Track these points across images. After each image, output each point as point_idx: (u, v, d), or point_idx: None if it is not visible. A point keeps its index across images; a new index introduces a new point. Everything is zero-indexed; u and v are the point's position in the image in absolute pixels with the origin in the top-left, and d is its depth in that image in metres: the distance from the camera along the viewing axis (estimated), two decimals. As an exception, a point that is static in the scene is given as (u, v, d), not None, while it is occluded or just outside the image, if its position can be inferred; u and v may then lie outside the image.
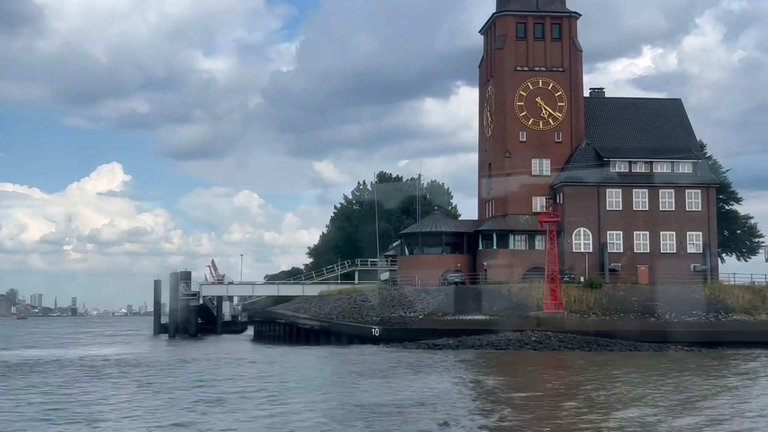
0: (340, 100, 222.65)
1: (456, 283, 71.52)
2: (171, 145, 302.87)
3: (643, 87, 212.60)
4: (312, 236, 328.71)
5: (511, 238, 75.28)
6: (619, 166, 75.29)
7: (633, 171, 75.21)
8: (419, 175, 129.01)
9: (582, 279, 68.50)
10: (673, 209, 74.54)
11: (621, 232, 74.11)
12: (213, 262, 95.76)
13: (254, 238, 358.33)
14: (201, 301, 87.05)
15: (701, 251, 74.23)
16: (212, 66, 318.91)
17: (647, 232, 74.38)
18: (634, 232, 74.21)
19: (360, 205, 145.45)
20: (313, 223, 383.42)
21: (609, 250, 73.50)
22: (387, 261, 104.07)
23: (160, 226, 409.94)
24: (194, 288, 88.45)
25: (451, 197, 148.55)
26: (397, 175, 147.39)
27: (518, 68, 77.41)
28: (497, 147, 77.86)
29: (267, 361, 51.57)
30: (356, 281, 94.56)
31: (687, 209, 74.63)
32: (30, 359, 54.30)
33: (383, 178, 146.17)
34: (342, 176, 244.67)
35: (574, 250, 73.82)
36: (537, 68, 77.52)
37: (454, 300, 66.66)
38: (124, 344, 75.60)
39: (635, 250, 74.03)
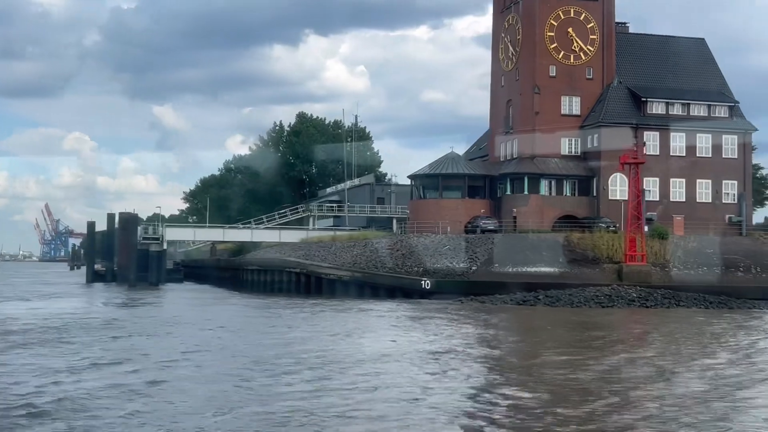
0: (184, 42, 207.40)
1: (491, 231, 64.27)
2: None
3: (486, 45, 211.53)
4: (149, 182, 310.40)
5: (542, 182, 68.42)
6: (656, 108, 69.56)
7: (670, 113, 69.70)
8: (356, 116, 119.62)
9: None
10: (710, 156, 69.68)
11: (657, 179, 68.65)
12: (47, 206, 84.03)
13: (86, 182, 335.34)
14: (165, 246, 75.87)
15: (735, 201, 69.88)
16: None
17: (683, 180, 69.27)
18: (671, 179, 68.94)
19: (277, 148, 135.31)
20: (150, 169, 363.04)
21: (645, 198, 67.90)
22: (335, 207, 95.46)
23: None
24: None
25: (372, 141, 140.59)
26: (317, 117, 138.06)
27: (549, -5, 70.08)
28: (524, 82, 70.51)
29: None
30: (311, 227, 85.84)
31: (723, 156, 69.94)
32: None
33: (303, 119, 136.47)
34: (182, 121, 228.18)
35: (610, 197, 67.92)
36: (569, -5, 70.44)
37: (505, 250, 59.24)
38: (107, 301, 63.64)
39: (671, 199, 68.86)
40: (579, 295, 51.43)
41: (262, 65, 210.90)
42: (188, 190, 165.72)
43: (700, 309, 49.22)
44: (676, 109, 69.75)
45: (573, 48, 70.09)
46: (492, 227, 64.81)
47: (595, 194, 68.40)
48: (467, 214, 67.99)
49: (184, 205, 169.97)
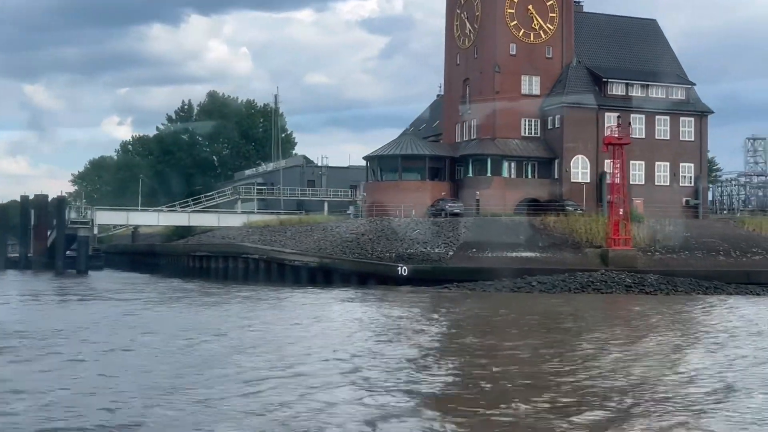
0: (60, 20, 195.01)
1: (457, 215, 61.84)
2: None
3: (370, 29, 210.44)
4: (19, 164, 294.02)
5: (504, 164, 66.31)
6: (616, 89, 68.31)
7: (629, 94, 68.56)
8: (275, 96, 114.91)
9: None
10: (668, 138, 68.96)
11: (618, 161, 67.21)
12: None
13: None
14: (96, 231, 70.45)
15: (692, 184, 69.45)
16: None
17: (642, 162, 68.31)
18: (631, 162, 67.65)
19: (186, 128, 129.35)
20: (21, 150, 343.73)
21: (607, 181, 66.62)
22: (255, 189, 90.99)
23: None
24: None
25: (285, 122, 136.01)
26: (228, 96, 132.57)
27: (509, -30, 67.69)
28: (483, 60, 68.11)
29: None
30: (239, 210, 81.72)
31: (681, 138, 69.33)
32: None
33: (215, 98, 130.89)
34: (56, 101, 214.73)
35: (572, 180, 66.41)
36: (528, -29, 68.28)
37: (480, 234, 56.72)
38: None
39: (631, 181, 67.61)
40: (574, 280, 49.42)
41: (141, 45, 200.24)
42: (77, 173, 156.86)
43: (700, 294, 47.80)
44: (635, 91, 68.67)
45: (533, 26, 68.11)
46: (458, 210, 62.35)
47: (556, 177, 66.70)
48: (429, 197, 65.38)
49: (71, 188, 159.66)
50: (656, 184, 68.36)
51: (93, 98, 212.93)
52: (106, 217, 73.16)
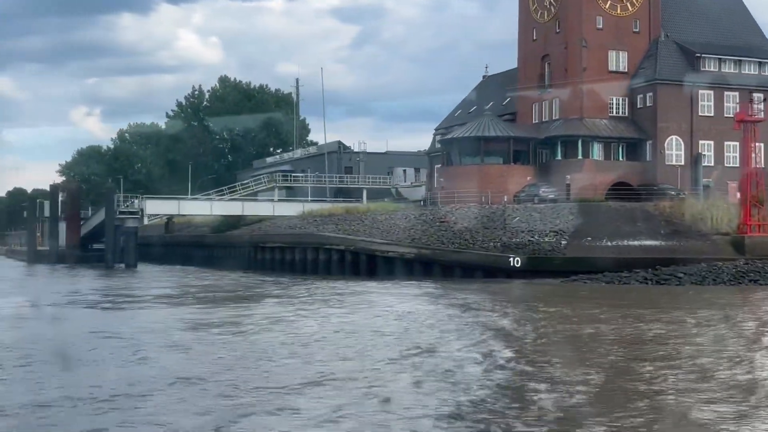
0: (25, 8, 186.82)
1: (552, 201, 56.85)
2: None
3: (341, 18, 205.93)
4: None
5: (595, 146, 61.37)
6: (708, 65, 63.55)
7: (722, 71, 63.88)
8: (297, 80, 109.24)
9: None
10: (763, 117, 64.08)
11: (712, 142, 62.80)
12: None
13: None
14: (146, 221, 64.69)
15: (786, 167, 64.84)
16: None
17: (737, 143, 63.44)
18: (725, 143, 63.14)
19: (197, 115, 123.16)
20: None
21: (702, 163, 62.09)
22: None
23: None
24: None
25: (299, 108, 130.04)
26: (240, 81, 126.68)
27: (594, -65, 62.65)
28: (568, 34, 62.99)
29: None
30: (276, 199, 76.18)
31: (775, 118, 64.61)
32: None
33: (226, 83, 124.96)
34: (22, 92, 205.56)
35: (666, 162, 61.62)
36: (613, -63, 63.29)
37: (591, 222, 51.62)
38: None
39: (725, 164, 63.15)
40: (721, 271, 44.49)
41: (109, 34, 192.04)
42: (64, 163, 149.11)
43: None
44: (728, 67, 64.00)
45: (620, -3, 63.06)
46: (553, 196, 57.31)
47: (648, 159, 61.89)
48: (513, 182, 60.24)
49: (59, 178, 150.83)
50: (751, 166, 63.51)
51: (60, 89, 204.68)
52: (156, 206, 67.15)
